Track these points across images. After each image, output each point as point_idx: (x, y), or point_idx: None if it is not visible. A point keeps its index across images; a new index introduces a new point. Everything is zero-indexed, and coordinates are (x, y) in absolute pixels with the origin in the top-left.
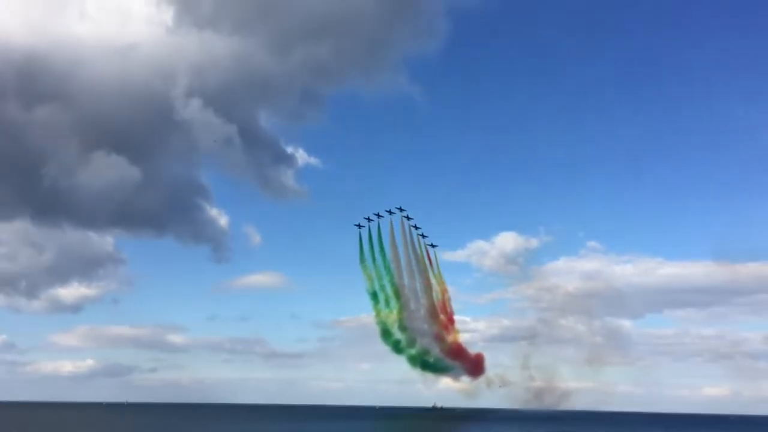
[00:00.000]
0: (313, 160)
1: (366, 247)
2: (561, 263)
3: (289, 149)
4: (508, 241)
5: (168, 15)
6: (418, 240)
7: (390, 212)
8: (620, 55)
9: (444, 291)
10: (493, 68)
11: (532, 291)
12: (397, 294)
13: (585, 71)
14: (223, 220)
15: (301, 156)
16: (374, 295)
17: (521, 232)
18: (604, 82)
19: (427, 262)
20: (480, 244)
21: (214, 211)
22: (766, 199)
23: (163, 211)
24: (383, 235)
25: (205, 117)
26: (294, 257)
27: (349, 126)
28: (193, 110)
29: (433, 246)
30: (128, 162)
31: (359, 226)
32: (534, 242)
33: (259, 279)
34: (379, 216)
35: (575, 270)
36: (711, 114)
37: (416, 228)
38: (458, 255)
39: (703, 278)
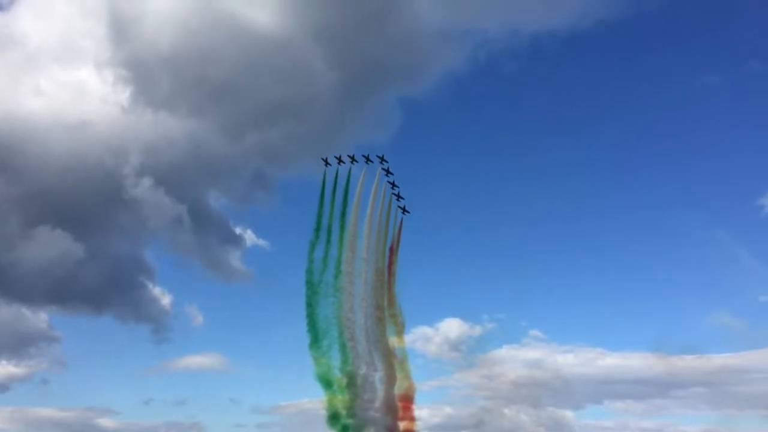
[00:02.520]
0: (261, 242)
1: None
2: (504, 351)
3: (238, 230)
4: (452, 327)
5: (124, 95)
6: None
7: (367, 159)
8: (566, 147)
9: (407, 381)
10: (442, 159)
11: (475, 379)
12: (351, 377)
13: (532, 164)
14: (165, 300)
15: (250, 237)
16: (326, 381)
17: (465, 318)
18: (550, 174)
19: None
20: (424, 330)
21: (157, 291)
22: (700, 294)
23: (103, 288)
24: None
25: (155, 196)
26: (236, 339)
27: (299, 210)
28: (143, 189)
29: (405, 212)
30: (72, 238)
31: (326, 162)
32: (478, 329)
33: (199, 360)
34: (353, 160)
35: (518, 358)
36: (647, 214)
37: (394, 186)
38: (392, 342)
39: (642, 370)
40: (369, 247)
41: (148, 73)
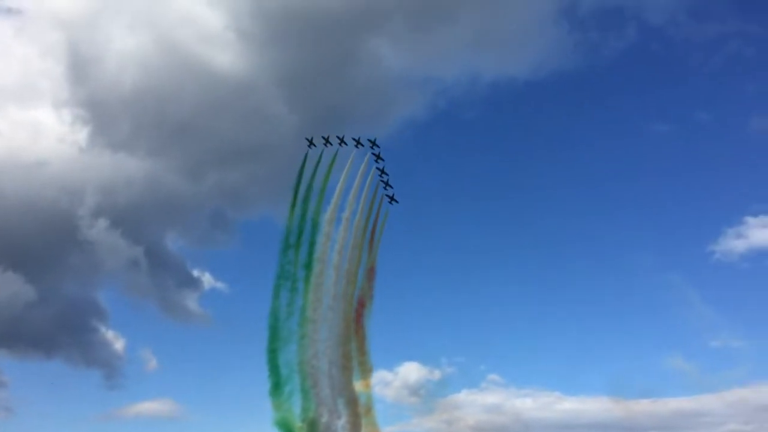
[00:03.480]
0: (219, 285)
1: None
2: (463, 396)
3: (196, 273)
4: (411, 371)
5: (81, 135)
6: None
7: (357, 143)
8: (523, 193)
9: (373, 428)
10: (400, 204)
11: (435, 424)
12: (313, 425)
13: (488, 209)
14: (119, 344)
15: (208, 280)
16: (286, 428)
17: (424, 362)
18: (506, 220)
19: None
20: (383, 374)
21: (110, 334)
22: (654, 338)
23: (54, 332)
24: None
25: (111, 238)
26: (191, 384)
27: (259, 252)
28: (98, 230)
29: (393, 201)
30: (24, 280)
31: (310, 142)
32: (437, 373)
33: (151, 407)
34: (342, 142)
35: (477, 403)
36: (602, 259)
37: (383, 174)
38: (357, 386)
39: (599, 414)
40: (340, 266)
41: (107, 113)
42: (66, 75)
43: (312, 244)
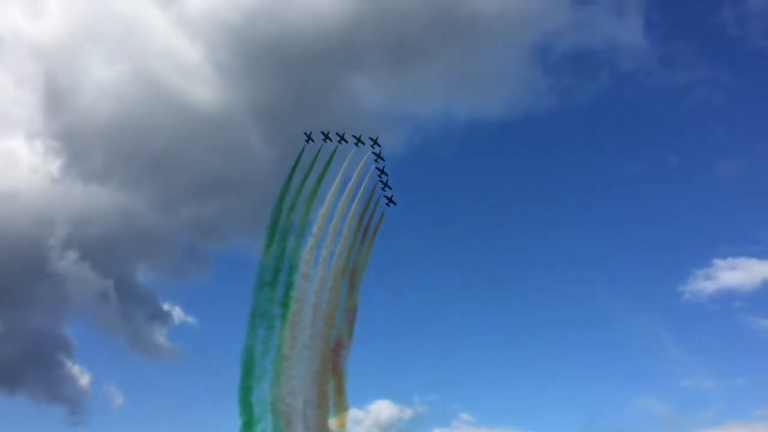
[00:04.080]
0: (190, 319)
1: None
2: None
3: (166, 306)
4: (383, 409)
5: (54, 165)
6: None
7: (358, 140)
8: (495, 235)
9: None
10: (378, 237)
11: None
12: None
13: (460, 249)
14: (84, 379)
15: (178, 314)
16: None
17: (396, 400)
18: (478, 260)
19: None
20: (355, 413)
21: (75, 369)
22: (625, 378)
23: (18, 366)
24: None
25: (80, 270)
26: (158, 421)
27: (232, 286)
28: (68, 262)
29: (390, 203)
30: None
31: (308, 137)
32: (408, 412)
33: None
34: (341, 140)
35: None
36: (575, 300)
37: (383, 174)
38: (331, 424)
39: None
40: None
41: (81, 145)
42: (41, 105)
43: (289, 284)
